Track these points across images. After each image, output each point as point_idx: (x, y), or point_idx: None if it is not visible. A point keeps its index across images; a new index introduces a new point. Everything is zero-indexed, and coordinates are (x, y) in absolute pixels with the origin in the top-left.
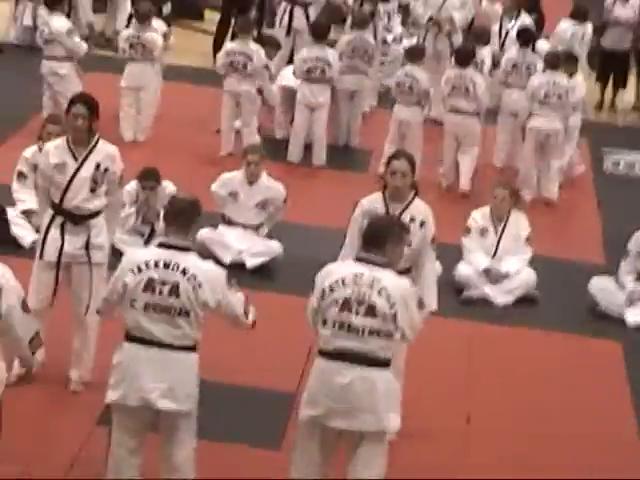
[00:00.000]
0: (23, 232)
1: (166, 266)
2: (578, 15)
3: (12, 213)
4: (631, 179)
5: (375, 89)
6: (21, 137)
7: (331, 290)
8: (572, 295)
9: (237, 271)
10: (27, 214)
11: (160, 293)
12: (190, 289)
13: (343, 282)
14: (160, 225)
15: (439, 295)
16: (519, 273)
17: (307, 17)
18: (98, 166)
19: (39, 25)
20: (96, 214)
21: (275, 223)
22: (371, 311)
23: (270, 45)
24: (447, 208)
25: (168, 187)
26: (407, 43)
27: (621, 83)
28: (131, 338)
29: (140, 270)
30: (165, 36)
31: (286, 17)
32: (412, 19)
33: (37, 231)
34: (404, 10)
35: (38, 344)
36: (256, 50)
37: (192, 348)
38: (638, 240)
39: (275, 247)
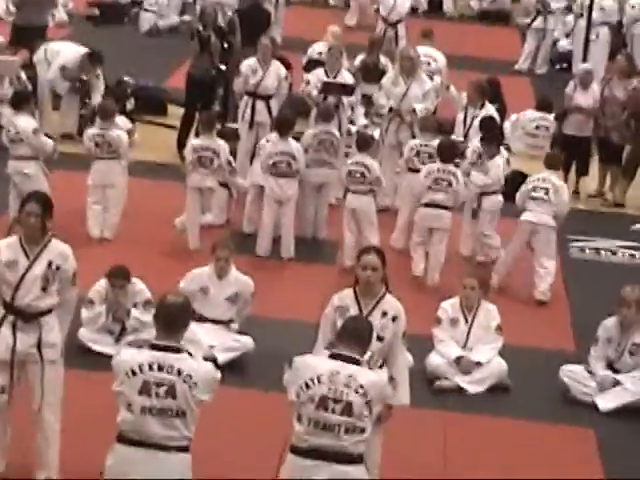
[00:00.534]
0: None
1: (160, 368)
2: (543, 106)
3: None
4: (597, 264)
5: (341, 181)
6: None
7: (307, 387)
8: (543, 383)
9: None
10: None
11: (157, 395)
12: (187, 389)
13: (319, 380)
14: (130, 322)
15: (411, 385)
16: (490, 362)
17: (269, 110)
18: (50, 264)
19: (4, 125)
20: (48, 312)
21: (245, 317)
22: (348, 409)
23: (228, 137)
24: (416, 298)
25: (137, 284)
26: (371, 133)
27: (584, 169)
28: (123, 440)
29: (134, 373)
30: (129, 132)
31: (248, 110)
32: (375, 110)
33: None
34: (367, 101)
35: None
36: (222, 145)
37: (186, 448)
38: (606, 327)
39: (246, 342)
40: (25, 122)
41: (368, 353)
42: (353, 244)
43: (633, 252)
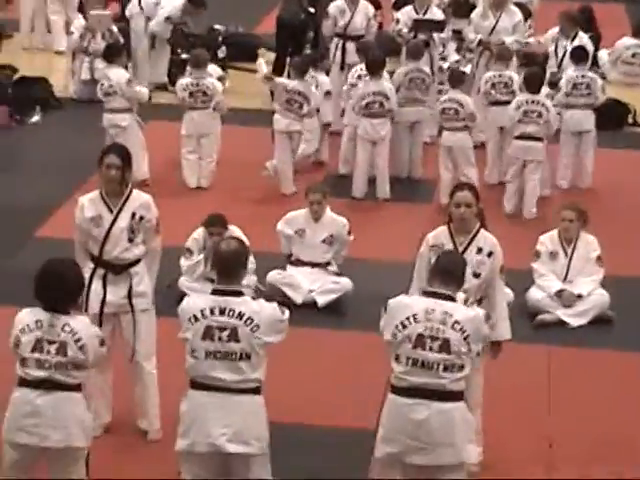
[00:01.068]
0: None
1: (222, 312)
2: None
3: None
4: None
5: (435, 119)
6: (86, 192)
7: (403, 327)
8: None
9: (309, 310)
10: None
11: (220, 339)
12: (249, 332)
13: (415, 318)
14: None
15: (512, 320)
16: (592, 294)
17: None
18: (134, 215)
19: (98, 78)
20: (136, 262)
21: (342, 257)
22: (445, 346)
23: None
24: (514, 233)
25: (235, 231)
26: (463, 69)
27: None
28: (195, 385)
29: (197, 319)
30: (221, 80)
31: (339, 53)
32: (466, 45)
33: None
34: (458, 36)
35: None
36: (314, 92)
37: (256, 390)
38: None
39: (345, 284)
40: (118, 74)
41: (461, 294)
42: (449, 182)
43: None
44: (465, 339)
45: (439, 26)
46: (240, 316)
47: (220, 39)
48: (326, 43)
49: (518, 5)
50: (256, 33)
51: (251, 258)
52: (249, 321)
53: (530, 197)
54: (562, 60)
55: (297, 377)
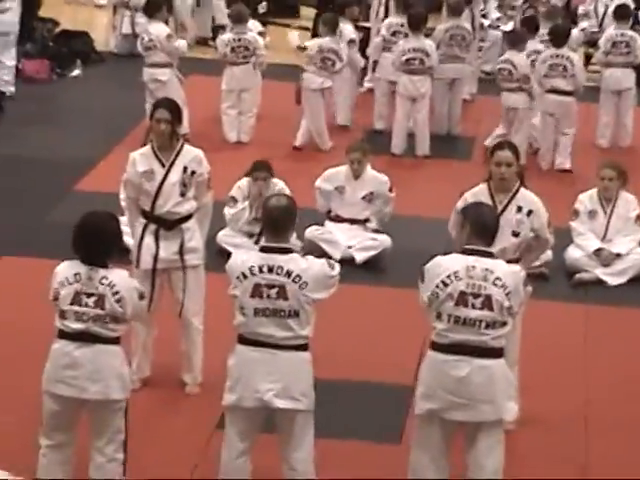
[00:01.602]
0: (131, 240)
1: (270, 270)
2: None
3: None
4: None
5: (475, 76)
6: (126, 146)
7: (444, 284)
8: None
9: (347, 266)
10: None
11: (268, 297)
12: (297, 289)
13: (456, 276)
14: None
15: (550, 279)
16: (630, 253)
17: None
18: (185, 169)
19: (139, 33)
20: (188, 218)
21: (387, 215)
22: (488, 303)
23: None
24: (553, 190)
25: (279, 184)
26: (504, 27)
27: None
28: (243, 341)
29: (245, 277)
30: (261, 35)
31: (382, 9)
32: (508, 2)
33: None
34: None
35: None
36: (344, 47)
37: (304, 347)
38: None
39: (384, 240)
40: (158, 29)
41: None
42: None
43: None
44: (507, 295)
45: None
46: (288, 274)
47: None
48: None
49: None
50: None
51: None
52: (297, 278)
53: (562, 150)
54: (603, 19)
55: (335, 333)
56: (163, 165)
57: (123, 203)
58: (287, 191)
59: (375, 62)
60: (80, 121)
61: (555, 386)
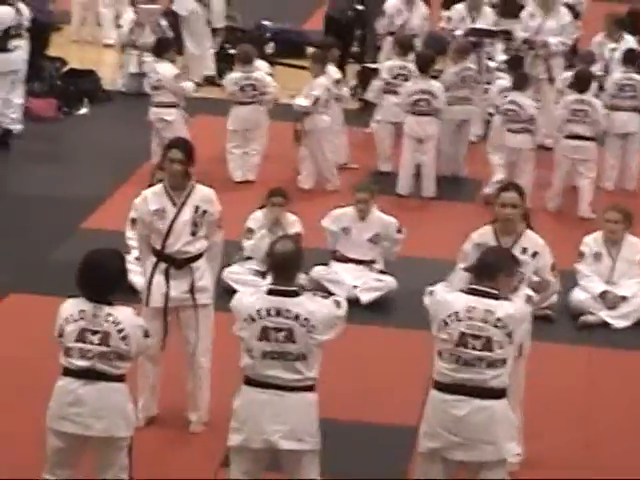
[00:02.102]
0: (138, 278)
1: (278, 313)
2: None
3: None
4: None
5: (481, 118)
6: (132, 185)
7: (445, 324)
8: None
9: (352, 307)
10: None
11: (276, 340)
12: (305, 333)
13: (457, 316)
14: None
15: (555, 322)
16: (636, 296)
17: (413, 51)
18: (197, 209)
19: (147, 72)
20: (198, 257)
21: (393, 255)
22: (488, 344)
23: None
24: (558, 232)
25: (291, 217)
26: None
27: None
28: (250, 382)
29: (253, 320)
30: (270, 76)
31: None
32: (514, 45)
33: None
34: (506, 36)
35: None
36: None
37: (311, 388)
38: None
39: (389, 282)
40: (166, 68)
41: (527, 290)
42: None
43: None
44: (508, 335)
45: (493, 34)
46: (297, 317)
47: (268, 35)
48: (376, 41)
49: (568, 6)
50: (304, 30)
51: None
52: (305, 322)
53: (586, 196)
54: (609, 63)
55: (340, 373)
56: (175, 204)
57: (129, 241)
58: (300, 226)
59: (374, 105)
60: (87, 159)
61: (558, 428)
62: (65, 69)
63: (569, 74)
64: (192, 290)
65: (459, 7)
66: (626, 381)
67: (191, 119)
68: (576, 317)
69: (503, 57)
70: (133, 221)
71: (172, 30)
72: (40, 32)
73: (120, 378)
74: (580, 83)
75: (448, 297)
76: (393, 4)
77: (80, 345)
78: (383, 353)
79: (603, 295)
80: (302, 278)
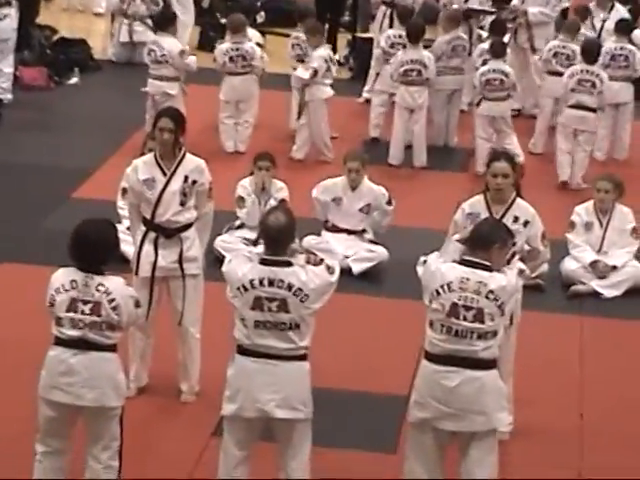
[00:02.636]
0: (129, 248)
1: (271, 283)
2: None
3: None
4: None
5: (471, 87)
6: (123, 154)
7: (437, 294)
8: None
9: (344, 277)
10: None
11: (269, 310)
12: (298, 303)
13: (449, 287)
14: None
15: (546, 291)
16: (626, 266)
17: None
18: (186, 179)
19: (149, 45)
20: (188, 227)
21: (385, 226)
22: (479, 316)
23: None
24: (550, 202)
25: (278, 183)
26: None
27: None
28: (243, 352)
29: (246, 289)
30: (260, 46)
31: (386, 21)
32: (505, 15)
33: None
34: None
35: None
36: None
37: (304, 357)
38: None
39: (381, 252)
40: (172, 44)
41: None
42: (487, 151)
43: None
44: (499, 307)
45: (490, 13)
46: (289, 287)
47: (259, 4)
48: (369, 10)
49: None
50: None
51: None
52: (298, 291)
53: (579, 168)
54: (600, 32)
55: (332, 343)
56: (165, 174)
57: (120, 211)
58: (287, 192)
59: (377, 74)
60: (77, 129)
61: (550, 397)
62: (55, 38)
63: (555, 44)
64: (181, 260)
65: None
66: (617, 350)
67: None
68: (567, 286)
69: None
70: (124, 190)
71: None
72: (30, 0)
73: (111, 348)
74: (588, 54)
75: (442, 267)
76: None
77: (71, 315)
78: (374, 323)
79: (594, 264)
80: (295, 244)
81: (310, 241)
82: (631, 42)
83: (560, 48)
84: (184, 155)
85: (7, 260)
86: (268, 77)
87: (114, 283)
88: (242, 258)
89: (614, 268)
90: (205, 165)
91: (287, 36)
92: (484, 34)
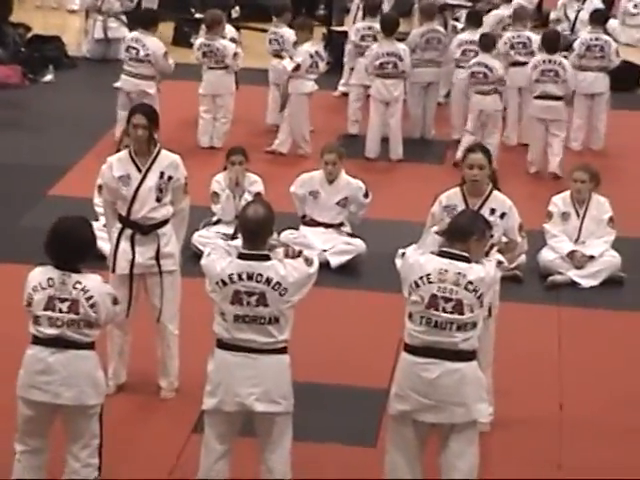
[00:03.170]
0: (106, 245)
1: (250, 277)
2: None
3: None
4: None
5: (448, 79)
6: (99, 151)
7: (417, 286)
8: None
9: (322, 271)
10: None
11: (248, 304)
12: (277, 296)
13: (428, 278)
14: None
15: (524, 281)
16: (603, 255)
17: (381, 12)
18: (162, 175)
19: (131, 44)
20: (164, 223)
21: (360, 219)
22: (459, 307)
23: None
24: (527, 193)
25: (253, 176)
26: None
27: None
28: (223, 346)
29: (225, 284)
30: (234, 41)
31: (360, 14)
32: (480, 6)
33: None
34: None
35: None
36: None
37: (283, 350)
38: None
39: (358, 245)
40: (156, 44)
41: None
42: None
43: None
44: (478, 298)
45: (465, 8)
46: (268, 281)
47: None
48: (344, 3)
49: None
50: None
51: None
52: (277, 286)
53: (556, 154)
54: (574, 23)
55: (311, 337)
56: (140, 170)
57: (97, 208)
58: (261, 186)
59: (351, 69)
60: (53, 126)
61: (529, 388)
62: (29, 35)
63: (509, 35)
64: (158, 256)
65: None
66: (595, 339)
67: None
68: (544, 277)
69: None
70: (100, 188)
71: None
72: None
73: (89, 346)
74: (549, 43)
75: (420, 259)
76: None
77: (49, 313)
78: (353, 316)
79: (571, 255)
80: (273, 238)
81: (288, 235)
82: (606, 32)
83: (515, 38)
84: (159, 151)
85: None
86: (244, 72)
87: (91, 281)
88: (221, 252)
89: (591, 258)
90: (180, 161)
91: (263, 31)
92: (459, 25)
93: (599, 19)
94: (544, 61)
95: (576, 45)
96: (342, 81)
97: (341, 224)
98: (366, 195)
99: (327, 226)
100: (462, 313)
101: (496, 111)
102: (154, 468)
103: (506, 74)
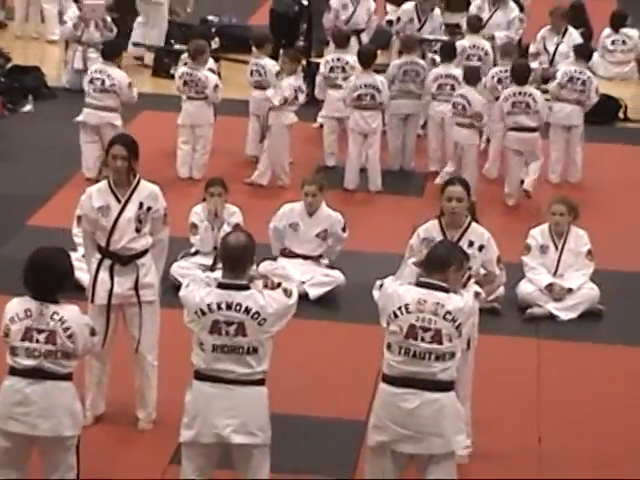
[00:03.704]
0: (85, 276)
1: (229, 307)
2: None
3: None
4: None
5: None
6: (78, 181)
7: (395, 316)
8: (636, 306)
9: (300, 302)
10: None
11: (227, 334)
12: (256, 326)
13: (407, 308)
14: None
15: (502, 314)
16: (582, 288)
17: (360, 44)
18: (141, 205)
19: (95, 75)
20: (143, 253)
21: (337, 252)
22: (437, 337)
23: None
24: (505, 226)
25: (232, 208)
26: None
27: None
28: (200, 377)
29: (204, 313)
30: (212, 71)
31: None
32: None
33: None
34: (452, 30)
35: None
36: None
37: (261, 381)
38: None
39: (337, 276)
40: (121, 75)
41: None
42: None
43: None
44: (457, 328)
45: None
46: (247, 311)
47: (213, 30)
48: (323, 36)
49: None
50: (249, 25)
51: None
52: (256, 315)
53: (531, 175)
54: (554, 56)
55: (289, 368)
56: (119, 201)
57: (76, 238)
58: (240, 217)
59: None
60: (32, 157)
61: (508, 420)
62: (9, 65)
63: (496, 70)
64: (137, 287)
65: (407, 8)
66: (574, 372)
67: (138, 114)
68: (523, 309)
69: None
70: (79, 218)
71: (116, 26)
72: None
73: (67, 377)
74: (518, 75)
75: (399, 289)
76: None
77: (26, 344)
78: (332, 348)
79: (549, 287)
80: (252, 270)
81: (267, 266)
82: (589, 68)
83: (502, 72)
84: (138, 182)
85: None
86: (224, 103)
87: (69, 311)
88: (199, 283)
89: (570, 291)
90: (160, 191)
91: (243, 62)
92: (438, 59)
93: (584, 54)
94: (514, 93)
95: (559, 75)
96: (321, 113)
97: (320, 256)
98: (344, 229)
99: (306, 257)
100: (441, 343)
101: (470, 145)
102: None
103: (491, 108)
